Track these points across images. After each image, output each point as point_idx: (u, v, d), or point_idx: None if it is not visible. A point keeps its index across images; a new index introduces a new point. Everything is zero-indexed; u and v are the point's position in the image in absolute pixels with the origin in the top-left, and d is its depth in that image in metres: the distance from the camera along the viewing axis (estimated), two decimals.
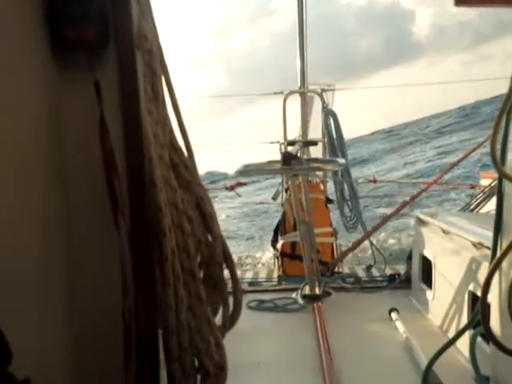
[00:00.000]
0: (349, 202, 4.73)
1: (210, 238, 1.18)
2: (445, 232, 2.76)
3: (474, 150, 4.29)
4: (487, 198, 3.49)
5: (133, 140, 0.95)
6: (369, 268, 4.38)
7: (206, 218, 1.17)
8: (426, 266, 3.14)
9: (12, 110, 0.78)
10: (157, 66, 1.08)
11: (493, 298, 1.67)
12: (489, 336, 1.45)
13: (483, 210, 3.50)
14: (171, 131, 1.15)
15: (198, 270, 1.12)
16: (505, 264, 1.48)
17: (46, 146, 0.89)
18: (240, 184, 4.94)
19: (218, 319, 1.30)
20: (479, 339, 1.93)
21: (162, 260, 1.00)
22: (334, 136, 4.92)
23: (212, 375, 1.10)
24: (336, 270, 4.26)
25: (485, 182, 4.18)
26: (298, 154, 3.26)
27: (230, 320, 1.27)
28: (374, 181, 5.21)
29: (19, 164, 0.80)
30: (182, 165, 1.15)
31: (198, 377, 1.12)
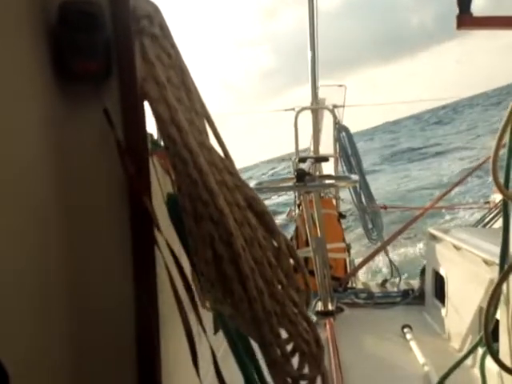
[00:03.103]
0: (371, 216, 4.80)
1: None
2: (457, 248, 2.75)
3: (475, 168, 4.28)
4: (500, 212, 3.46)
5: (139, 161, 0.99)
6: (383, 283, 4.36)
7: (262, 216, 1.18)
8: (439, 282, 3.13)
9: (19, 143, 0.83)
10: (187, 81, 1.12)
11: (502, 315, 1.66)
12: (491, 354, 1.45)
13: (496, 225, 3.48)
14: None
15: (272, 257, 1.15)
16: (510, 283, 1.49)
17: (55, 178, 0.93)
18: None
19: None
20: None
21: (235, 258, 1.04)
22: (349, 152, 4.98)
23: (308, 354, 1.14)
24: (349, 285, 4.26)
25: (499, 196, 4.16)
26: (311, 171, 3.30)
27: (306, 304, 1.31)
28: (385, 207, 5.20)
29: (29, 199, 0.84)
30: (226, 171, 1.17)
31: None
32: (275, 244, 1.20)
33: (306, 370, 1.16)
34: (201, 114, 1.14)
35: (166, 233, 1.18)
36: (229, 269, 1.04)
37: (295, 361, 1.16)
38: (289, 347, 1.14)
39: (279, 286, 1.13)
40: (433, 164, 22.11)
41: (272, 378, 1.16)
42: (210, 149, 1.10)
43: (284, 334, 1.12)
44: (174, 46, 1.09)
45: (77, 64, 0.91)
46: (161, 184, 1.25)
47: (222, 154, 1.25)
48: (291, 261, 1.29)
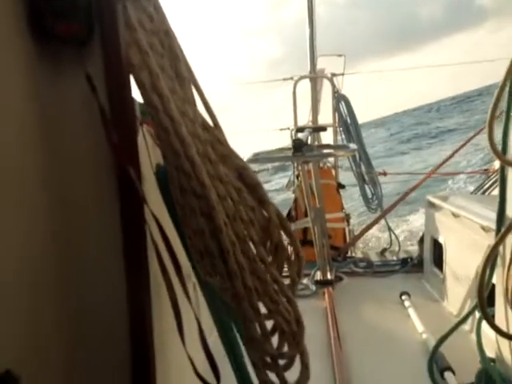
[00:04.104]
0: (369, 185, 4.78)
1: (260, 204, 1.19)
2: (455, 215, 2.75)
3: (474, 135, 4.25)
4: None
5: (125, 130, 0.97)
6: (383, 252, 4.38)
7: (253, 187, 1.17)
8: (438, 250, 3.14)
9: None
10: (173, 46, 1.08)
11: (498, 279, 1.66)
12: (485, 317, 1.45)
13: (496, 192, 3.46)
14: (197, 110, 1.14)
15: (255, 234, 1.14)
16: (506, 247, 1.48)
17: (36, 145, 0.90)
18: None
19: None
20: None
21: (216, 232, 1.02)
22: (348, 121, 4.91)
23: (288, 333, 1.14)
24: (349, 254, 4.28)
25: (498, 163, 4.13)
26: (309, 141, 3.27)
27: (297, 275, 1.30)
28: (384, 173, 5.14)
29: (6, 165, 0.81)
30: (215, 140, 1.15)
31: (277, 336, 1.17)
32: (266, 215, 1.19)
33: (285, 349, 1.16)
34: (188, 80, 1.10)
35: (157, 205, 1.16)
36: (210, 243, 1.02)
37: (275, 339, 1.15)
38: (269, 325, 1.13)
39: (261, 263, 1.12)
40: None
41: (249, 356, 1.15)
42: (193, 120, 1.07)
43: (265, 312, 1.12)
44: (157, 8, 1.05)
45: (57, 26, 0.87)
46: (150, 154, 1.23)
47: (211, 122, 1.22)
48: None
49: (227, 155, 1.16)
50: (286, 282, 1.28)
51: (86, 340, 1.00)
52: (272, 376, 1.18)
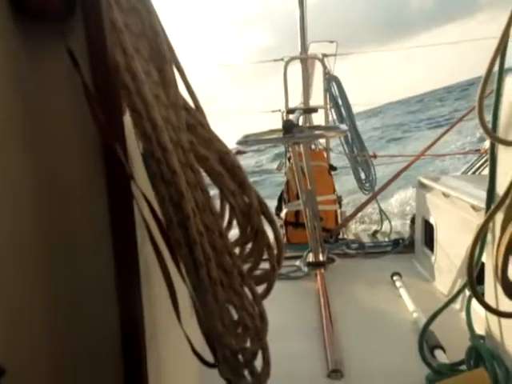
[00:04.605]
0: (363, 167, 4.77)
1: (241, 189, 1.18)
2: (445, 195, 2.75)
3: (465, 114, 4.25)
4: None
5: (110, 108, 0.94)
6: (374, 233, 4.39)
7: (234, 171, 1.16)
8: (429, 230, 3.15)
9: None
10: (155, 24, 1.06)
11: (487, 258, 1.67)
12: (475, 296, 1.46)
13: (487, 171, 3.47)
14: (178, 92, 1.12)
15: (222, 226, 1.13)
16: (496, 225, 1.48)
17: (18, 126, 0.88)
18: (239, 152, 4.83)
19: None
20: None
21: (184, 221, 1.00)
22: (340, 103, 4.88)
23: (251, 328, 1.13)
24: (341, 236, 4.29)
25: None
26: (300, 122, 3.24)
27: (277, 262, 1.29)
28: (374, 156, 5.12)
29: None
30: (197, 124, 1.13)
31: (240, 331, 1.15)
32: (247, 200, 1.17)
33: (247, 344, 1.14)
34: (169, 60, 1.08)
35: (146, 186, 1.14)
36: (178, 232, 1.01)
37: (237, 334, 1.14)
38: (232, 319, 1.12)
39: (228, 256, 1.11)
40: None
41: (211, 349, 1.14)
42: (167, 105, 1.04)
43: (228, 306, 1.10)
44: None
45: (35, 2, 0.84)
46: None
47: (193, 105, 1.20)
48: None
49: (209, 139, 1.15)
50: (267, 267, 1.28)
51: (75, 331, 0.98)
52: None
